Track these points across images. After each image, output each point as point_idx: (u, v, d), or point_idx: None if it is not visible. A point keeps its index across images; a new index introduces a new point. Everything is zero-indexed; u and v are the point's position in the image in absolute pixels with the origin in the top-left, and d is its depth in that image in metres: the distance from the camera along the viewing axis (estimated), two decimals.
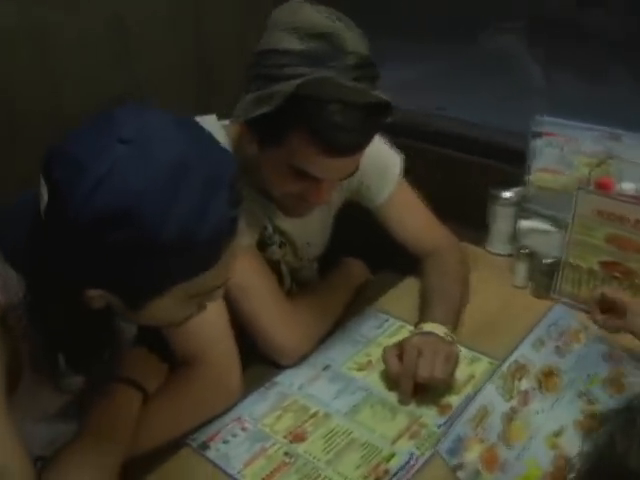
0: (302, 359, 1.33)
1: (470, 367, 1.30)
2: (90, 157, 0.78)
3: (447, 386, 1.25)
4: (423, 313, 1.38)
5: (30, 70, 1.51)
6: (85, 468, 0.99)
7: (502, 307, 1.50)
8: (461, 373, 1.27)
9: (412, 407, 1.21)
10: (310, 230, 1.49)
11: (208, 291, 0.93)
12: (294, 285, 1.52)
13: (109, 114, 0.82)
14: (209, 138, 0.87)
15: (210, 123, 1.32)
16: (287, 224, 1.42)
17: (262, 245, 1.40)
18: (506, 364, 1.17)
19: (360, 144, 1.15)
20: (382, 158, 1.48)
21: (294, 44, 1.08)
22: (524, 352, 1.20)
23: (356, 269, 1.60)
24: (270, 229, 1.40)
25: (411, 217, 1.53)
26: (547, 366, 1.19)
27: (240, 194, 0.88)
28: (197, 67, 1.82)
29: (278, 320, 1.30)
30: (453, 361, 1.23)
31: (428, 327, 1.30)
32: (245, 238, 1.29)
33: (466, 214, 1.67)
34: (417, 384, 1.22)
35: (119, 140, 0.78)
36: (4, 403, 0.89)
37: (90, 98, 1.51)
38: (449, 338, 1.28)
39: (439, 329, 1.29)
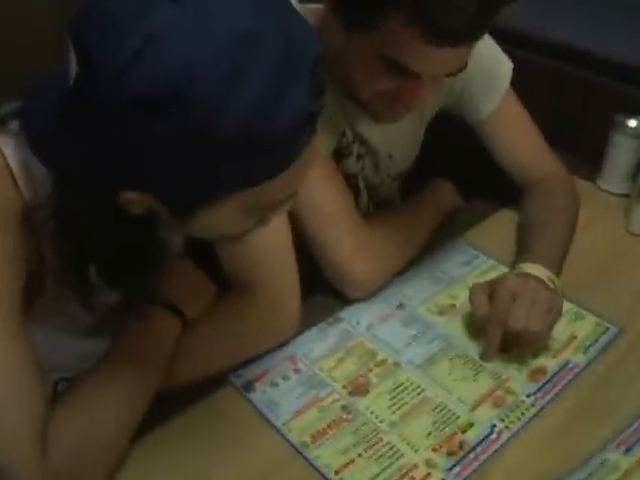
0: (374, 293, 1.14)
1: (572, 325, 1.09)
2: (130, 18, 0.59)
3: (543, 344, 1.04)
4: (522, 252, 1.16)
5: None
6: (111, 395, 0.84)
7: (613, 256, 1.27)
8: (561, 331, 1.06)
9: (498, 366, 1.01)
10: (396, 139, 1.27)
11: (273, 204, 0.74)
12: (371, 205, 1.31)
13: None
14: (289, 9, 0.66)
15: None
16: (370, 130, 1.20)
17: (338, 155, 1.19)
18: None
19: (472, 31, 0.93)
20: (492, 62, 1.25)
21: None
22: None
23: (446, 192, 1.38)
24: (350, 136, 1.18)
25: (519, 137, 1.31)
26: None
27: (324, 82, 0.67)
28: None
29: (351, 245, 1.10)
30: (555, 313, 1.01)
31: (528, 268, 1.08)
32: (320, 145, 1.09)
33: (579, 143, 1.43)
34: (507, 337, 1.01)
35: None
36: (17, 320, 0.76)
37: None
38: (552, 284, 1.07)
39: (541, 271, 1.07)
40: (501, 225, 1.33)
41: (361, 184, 1.26)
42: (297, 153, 0.66)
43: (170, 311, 0.92)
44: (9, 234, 0.74)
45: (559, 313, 1.02)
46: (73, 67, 0.63)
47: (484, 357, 1.03)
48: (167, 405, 0.89)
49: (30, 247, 0.77)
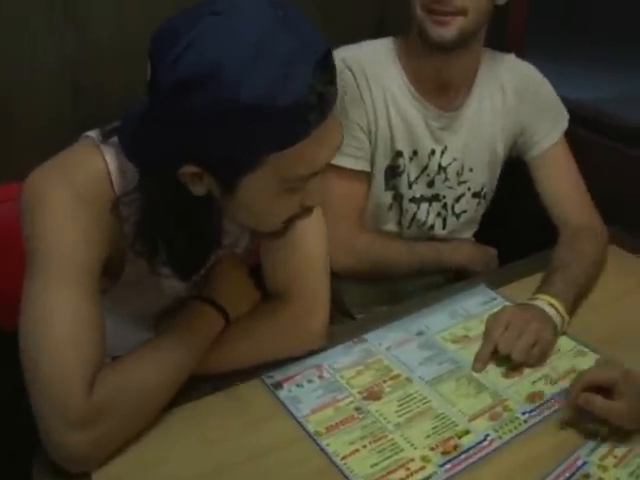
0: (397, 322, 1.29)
1: (574, 360, 1.20)
2: (184, 26, 0.83)
3: (542, 373, 1.17)
4: (541, 285, 1.30)
5: None
6: (154, 360, 1.00)
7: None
8: (562, 364, 1.19)
9: (500, 388, 1.14)
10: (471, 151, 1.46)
11: (300, 177, 0.91)
12: (414, 224, 1.50)
13: None
14: (303, 23, 0.87)
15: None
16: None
17: (391, 172, 1.38)
18: None
19: None
20: (556, 101, 1.45)
21: None
22: None
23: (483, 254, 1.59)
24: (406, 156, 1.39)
25: (567, 182, 1.44)
26: None
27: (333, 74, 0.87)
28: None
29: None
30: (541, 346, 1.16)
31: (539, 299, 1.23)
32: (349, 161, 1.30)
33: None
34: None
35: (211, 11, 0.83)
36: (96, 289, 0.96)
37: None
38: (558, 318, 1.20)
39: (551, 304, 1.21)
40: (531, 284, 1.35)
41: (405, 204, 1.45)
42: (310, 124, 0.85)
43: (217, 310, 1.09)
44: (101, 222, 0.96)
45: (546, 345, 1.16)
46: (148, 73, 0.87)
47: (474, 368, 1.17)
48: (202, 389, 1.09)
49: (115, 230, 0.99)
